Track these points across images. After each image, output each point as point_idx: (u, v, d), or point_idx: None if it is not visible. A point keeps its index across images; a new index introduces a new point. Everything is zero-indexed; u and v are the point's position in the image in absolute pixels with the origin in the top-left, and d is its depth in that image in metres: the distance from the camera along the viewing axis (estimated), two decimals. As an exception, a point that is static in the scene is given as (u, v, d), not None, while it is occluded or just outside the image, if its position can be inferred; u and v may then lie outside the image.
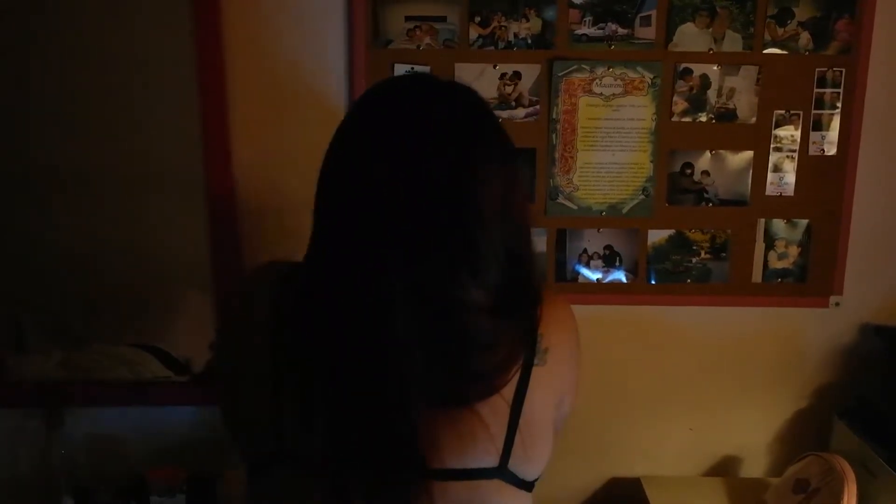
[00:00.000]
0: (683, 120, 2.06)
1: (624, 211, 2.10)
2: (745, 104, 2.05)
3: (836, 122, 2.06)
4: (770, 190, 2.09)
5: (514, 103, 2.04)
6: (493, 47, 2.01)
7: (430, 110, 1.14)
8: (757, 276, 2.14)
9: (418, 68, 2.00)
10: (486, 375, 1.12)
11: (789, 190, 2.09)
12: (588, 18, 2.01)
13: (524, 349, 1.16)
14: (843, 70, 2.04)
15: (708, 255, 2.12)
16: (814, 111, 2.06)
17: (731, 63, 2.03)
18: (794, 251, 2.12)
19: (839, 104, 2.05)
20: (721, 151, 2.07)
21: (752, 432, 2.26)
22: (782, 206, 2.10)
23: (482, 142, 1.15)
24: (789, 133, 2.06)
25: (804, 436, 2.24)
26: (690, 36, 2.02)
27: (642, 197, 2.09)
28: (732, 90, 2.04)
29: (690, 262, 2.13)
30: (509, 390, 1.14)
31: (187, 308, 2.11)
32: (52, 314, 2.11)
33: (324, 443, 1.10)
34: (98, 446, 2.19)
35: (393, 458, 1.08)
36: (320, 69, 2.00)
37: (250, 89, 2.00)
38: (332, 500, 1.11)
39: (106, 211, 2.02)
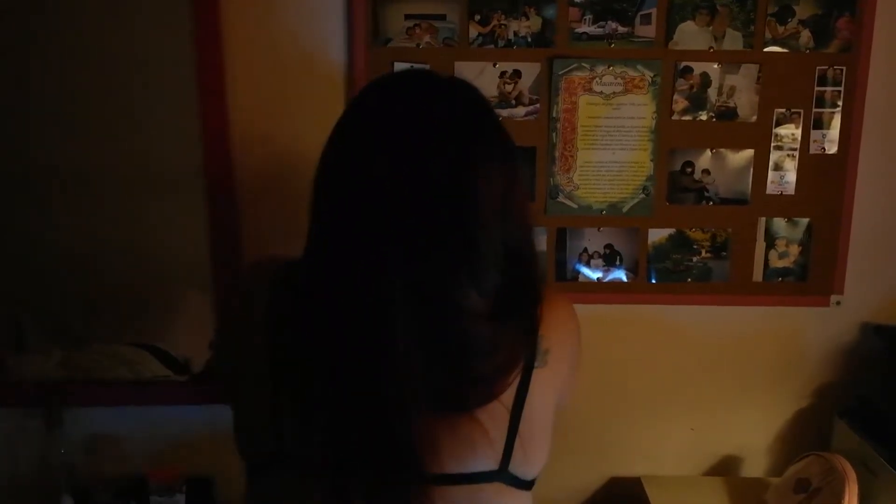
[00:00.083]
0: (684, 118, 2.06)
1: (624, 210, 2.09)
2: (745, 102, 2.05)
3: (836, 121, 2.06)
4: (771, 189, 2.09)
5: (514, 102, 2.04)
6: (492, 46, 2.01)
7: (432, 107, 1.14)
8: (757, 275, 2.14)
9: (418, 67, 2.00)
10: (484, 381, 1.12)
11: (790, 189, 2.09)
12: (588, 17, 2.00)
13: (525, 352, 1.16)
14: (844, 68, 2.04)
15: (708, 254, 2.12)
16: (814, 109, 2.05)
17: (731, 61, 2.03)
18: (794, 250, 2.12)
19: (840, 102, 2.05)
20: (721, 150, 2.07)
21: (752, 432, 2.26)
22: (783, 205, 2.10)
23: (483, 140, 1.14)
24: (790, 131, 2.06)
25: (805, 435, 2.24)
26: (691, 34, 2.01)
27: (643, 196, 2.08)
28: (733, 88, 2.04)
29: (691, 261, 2.13)
30: (509, 395, 1.14)
31: (187, 308, 2.11)
32: (52, 314, 2.11)
33: (323, 443, 1.09)
34: (98, 446, 2.19)
35: (392, 460, 1.08)
36: (320, 68, 2.00)
37: (250, 89, 2.00)
38: (331, 500, 1.11)
39: (106, 211, 2.02)
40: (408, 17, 1.99)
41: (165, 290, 2.10)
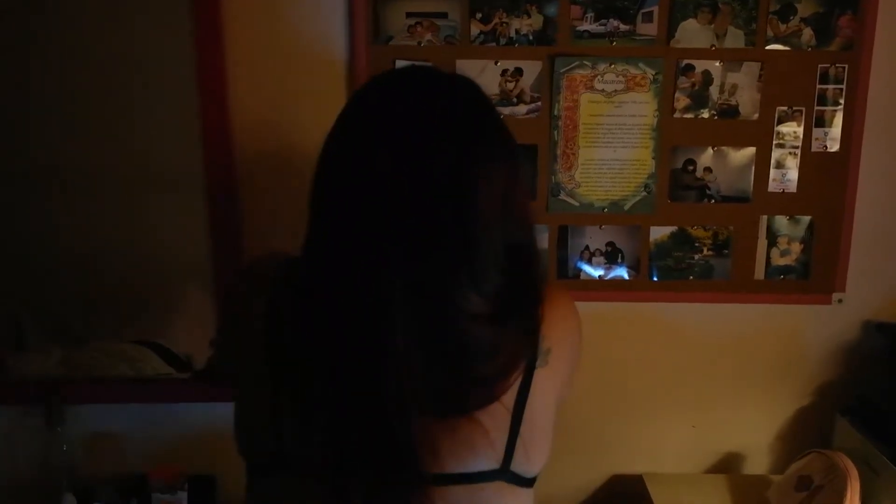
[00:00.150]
0: (685, 116, 2.05)
1: (626, 208, 2.09)
2: (747, 100, 2.04)
3: (838, 119, 2.05)
4: (772, 186, 2.09)
5: (515, 100, 2.03)
6: (494, 44, 2.01)
7: (433, 106, 1.13)
8: (759, 273, 2.14)
9: (419, 64, 1.99)
10: (485, 383, 1.12)
11: (792, 186, 2.09)
12: (590, 14, 2.00)
13: (526, 352, 1.16)
14: (846, 66, 2.03)
15: (710, 252, 2.12)
16: (816, 107, 2.05)
17: (733, 59, 2.03)
18: (796, 248, 2.12)
19: (842, 100, 2.05)
20: (723, 148, 2.07)
21: (754, 429, 2.26)
22: (785, 203, 2.10)
23: (484, 140, 1.14)
24: (792, 129, 2.06)
25: (807, 433, 2.24)
26: (692, 32, 2.01)
27: (644, 194, 2.08)
28: (735, 86, 2.03)
29: (692, 258, 2.12)
30: (510, 395, 1.14)
31: (188, 307, 2.11)
32: (53, 314, 2.11)
33: (323, 443, 1.09)
34: (99, 444, 2.19)
35: (392, 460, 1.08)
36: (321, 67, 2.00)
37: (251, 88, 2.00)
38: (332, 501, 1.10)
39: (106, 211, 2.02)
40: (409, 15, 1.99)
41: (166, 288, 2.10)
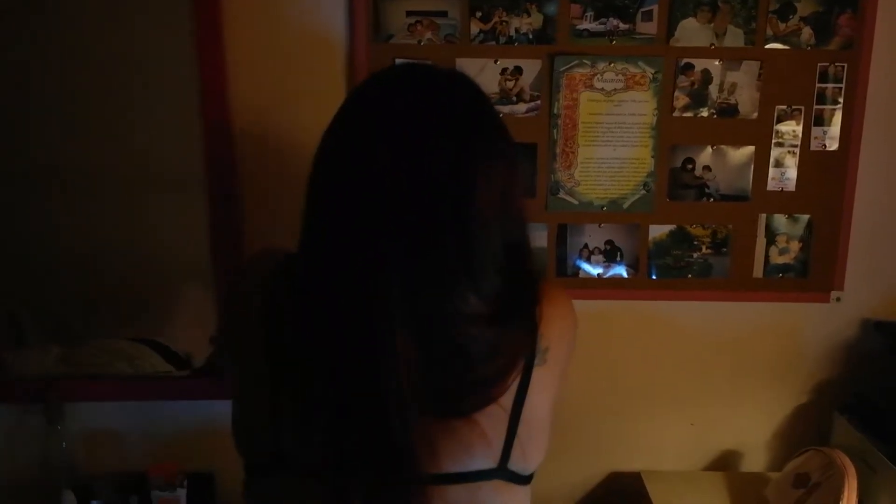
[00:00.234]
0: (685, 115, 2.05)
1: (625, 206, 2.09)
2: (746, 99, 2.04)
3: (837, 118, 2.06)
4: (771, 185, 2.09)
5: (515, 98, 2.03)
6: (494, 42, 2.01)
7: (432, 102, 1.13)
8: (758, 271, 2.14)
9: (419, 61, 1.99)
10: (483, 385, 1.12)
11: (790, 185, 2.09)
12: (589, 13, 2.00)
13: (525, 352, 1.16)
14: (845, 65, 2.03)
15: (709, 251, 2.12)
16: (815, 106, 2.05)
17: (732, 58, 2.03)
18: (795, 246, 2.12)
19: (841, 99, 2.05)
20: (722, 147, 2.07)
21: (752, 427, 2.27)
22: (783, 202, 2.10)
23: (483, 137, 1.14)
24: (791, 128, 2.06)
25: (805, 431, 2.25)
26: (692, 31, 2.01)
27: (643, 192, 2.08)
28: (734, 85, 2.04)
29: (691, 257, 2.13)
30: (508, 396, 1.14)
31: (188, 307, 2.11)
32: (52, 314, 2.11)
33: (322, 444, 1.09)
34: (98, 441, 2.20)
35: (391, 461, 1.07)
36: (322, 66, 2.00)
37: (251, 87, 2.00)
38: (331, 501, 1.11)
39: (106, 210, 2.02)
40: (409, 13, 1.99)
41: (166, 289, 2.10)
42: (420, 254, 1.07)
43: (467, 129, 1.12)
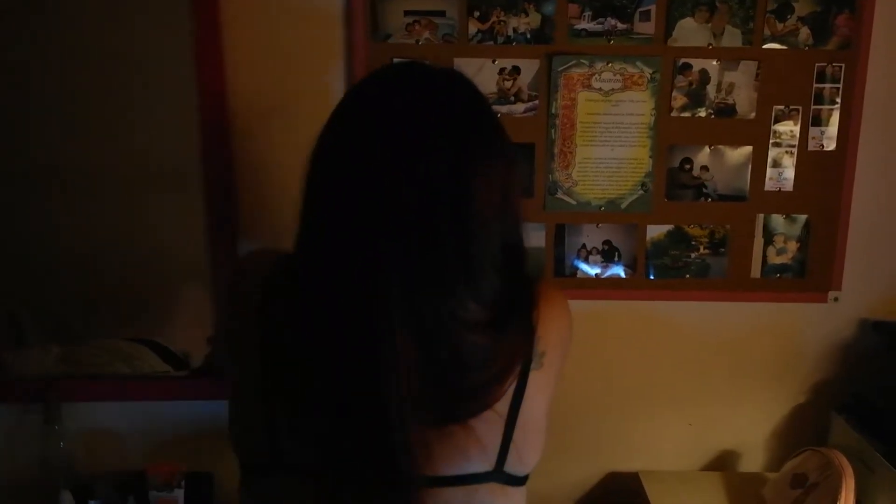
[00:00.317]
0: (682, 115, 2.06)
1: (623, 206, 2.10)
2: (744, 99, 2.05)
3: (835, 118, 2.06)
4: (769, 185, 2.09)
5: (513, 98, 2.04)
6: (492, 42, 2.01)
7: (431, 102, 1.13)
8: (756, 271, 2.14)
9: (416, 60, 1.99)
10: (479, 392, 1.11)
11: (788, 185, 2.09)
12: (587, 13, 2.00)
13: (522, 356, 1.15)
14: (843, 65, 2.04)
15: (707, 251, 2.13)
16: (813, 106, 2.06)
17: (730, 58, 2.03)
18: (792, 246, 2.12)
19: (838, 99, 2.05)
20: (720, 147, 2.07)
21: (750, 427, 2.27)
22: (781, 202, 2.10)
23: (481, 137, 1.14)
24: (788, 128, 2.06)
25: (802, 431, 2.25)
26: (690, 31, 2.01)
27: (641, 192, 2.09)
28: (732, 85, 2.04)
29: (689, 257, 2.13)
30: (504, 402, 1.13)
31: (186, 303, 2.11)
32: (52, 313, 2.12)
33: (318, 445, 1.09)
34: (97, 441, 2.20)
35: (386, 464, 1.07)
36: (320, 65, 2.00)
37: (250, 88, 2.00)
38: (327, 502, 1.11)
39: (106, 210, 2.02)
40: (407, 13, 1.99)
41: (165, 289, 2.10)
42: (419, 253, 1.06)
43: (466, 128, 1.12)
